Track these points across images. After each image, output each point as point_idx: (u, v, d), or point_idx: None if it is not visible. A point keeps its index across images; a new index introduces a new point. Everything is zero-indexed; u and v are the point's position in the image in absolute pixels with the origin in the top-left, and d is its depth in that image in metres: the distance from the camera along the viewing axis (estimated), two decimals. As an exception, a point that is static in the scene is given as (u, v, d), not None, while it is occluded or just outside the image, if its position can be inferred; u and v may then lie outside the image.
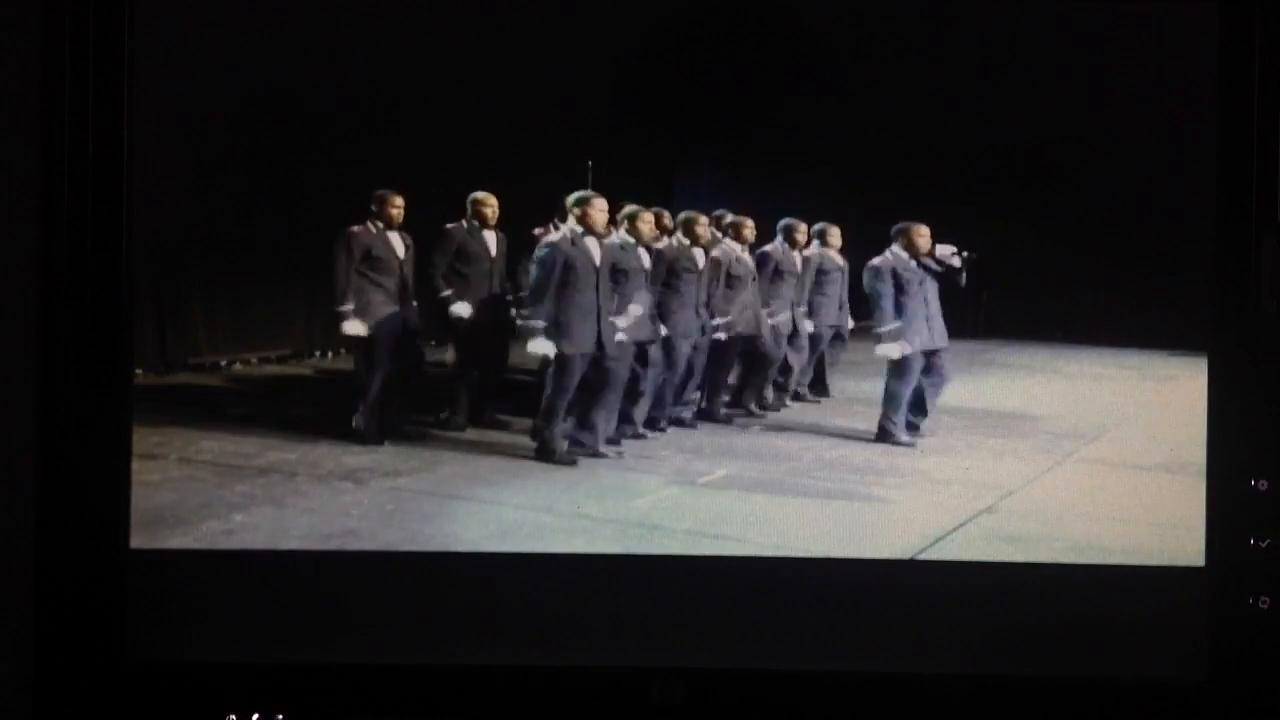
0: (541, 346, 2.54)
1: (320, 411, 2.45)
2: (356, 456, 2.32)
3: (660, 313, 2.68)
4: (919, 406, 2.61)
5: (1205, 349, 2.04)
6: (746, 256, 2.72)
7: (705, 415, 2.64)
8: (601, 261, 2.60)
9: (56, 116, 1.99)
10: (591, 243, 2.59)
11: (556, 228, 2.61)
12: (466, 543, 2.13)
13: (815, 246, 2.74)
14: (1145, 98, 2.08)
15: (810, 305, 2.82)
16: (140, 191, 2.02)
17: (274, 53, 2.09)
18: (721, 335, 2.69)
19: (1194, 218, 2.05)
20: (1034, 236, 2.26)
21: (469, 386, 2.58)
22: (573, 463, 2.42)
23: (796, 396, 2.83)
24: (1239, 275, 2.01)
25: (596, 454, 2.48)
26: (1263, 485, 2.00)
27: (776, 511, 2.24)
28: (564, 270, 2.57)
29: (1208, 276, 2.03)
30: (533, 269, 2.57)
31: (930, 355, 2.65)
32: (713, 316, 2.71)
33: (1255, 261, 2.01)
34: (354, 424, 2.39)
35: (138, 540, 2.04)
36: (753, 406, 2.72)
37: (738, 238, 2.70)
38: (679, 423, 2.60)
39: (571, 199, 2.52)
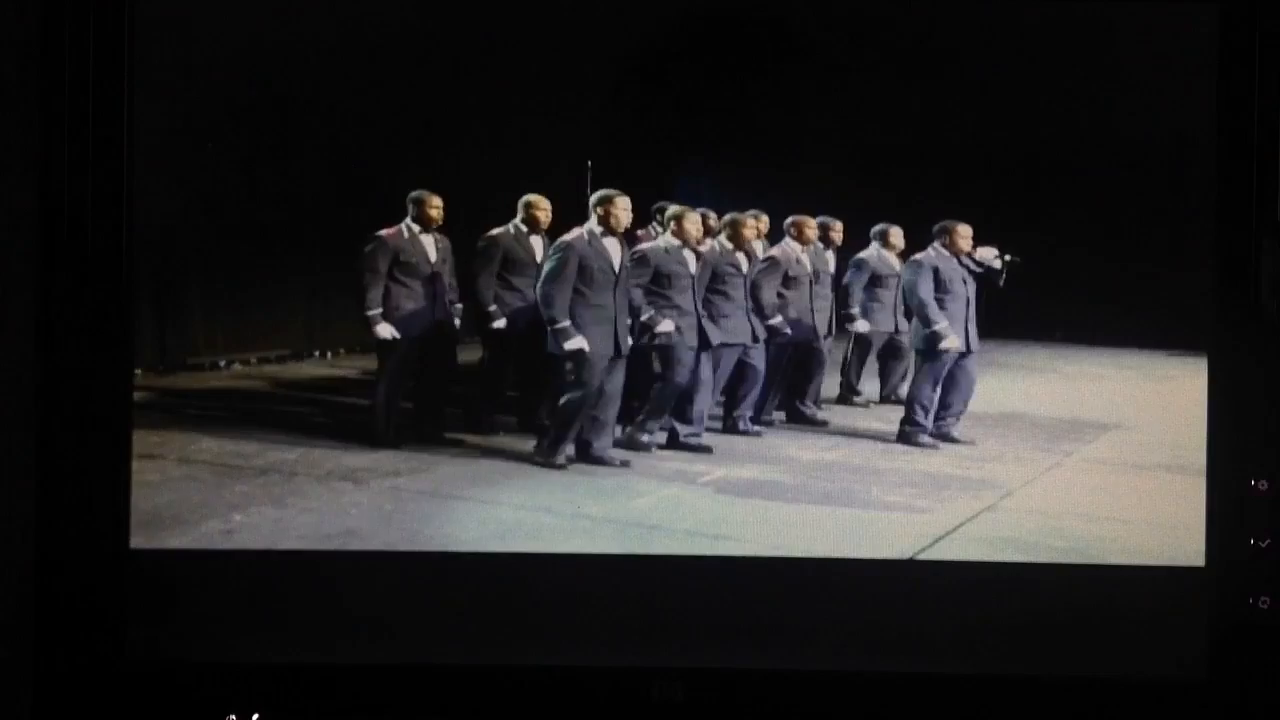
0: (577, 342, 2.48)
1: (320, 411, 2.45)
2: (356, 456, 2.31)
3: (710, 317, 2.62)
4: (947, 409, 2.56)
5: (1205, 349, 2.04)
6: (806, 257, 2.66)
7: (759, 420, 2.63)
8: (620, 265, 2.55)
9: (56, 116, 1.99)
10: (611, 243, 2.53)
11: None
12: (466, 543, 2.13)
13: (874, 248, 2.64)
14: (1145, 98, 2.09)
15: (863, 308, 2.73)
16: (140, 191, 2.03)
17: (271, 53, 2.09)
18: (787, 332, 2.65)
19: (1194, 218, 2.05)
20: (1034, 237, 2.26)
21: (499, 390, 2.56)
22: (626, 463, 2.40)
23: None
24: (1239, 275, 2.02)
25: (698, 448, 2.49)
26: (1263, 485, 2.00)
27: (776, 511, 2.24)
28: (578, 272, 2.52)
29: (1208, 276, 2.03)
30: (545, 266, 2.53)
31: (962, 357, 2.58)
32: (768, 317, 2.66)
33: (1255, 261, 2.01)
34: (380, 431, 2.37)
35: (138, 540, 2.04)
36: (810, 410, 2.66)
37: (799, 238, 2.62)
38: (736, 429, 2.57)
39: (594, 197, 2.45)
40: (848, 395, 2.74)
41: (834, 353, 2.73)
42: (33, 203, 2.00)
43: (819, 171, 2.22)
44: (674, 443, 2.51)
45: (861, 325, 2.69)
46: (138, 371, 2.08)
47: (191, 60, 2.07)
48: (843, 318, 2.68)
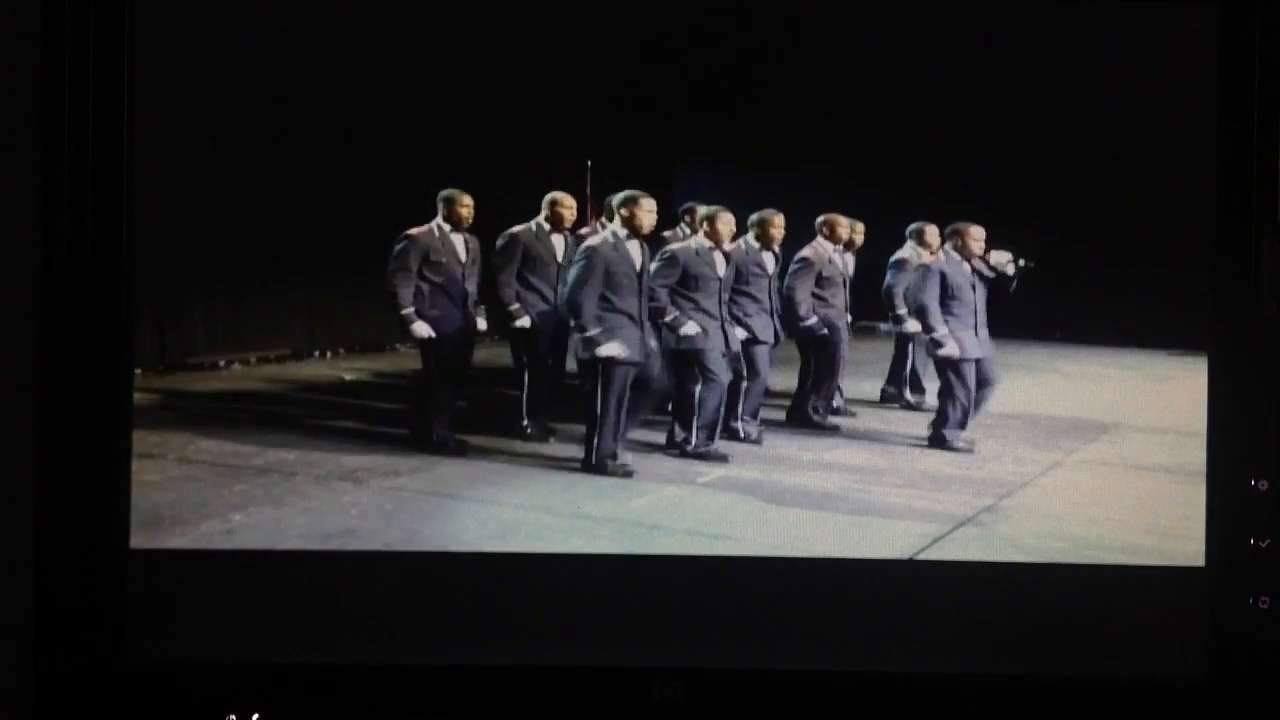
0: (609, 349, 2.46)
1: (319, 411, 2.45)
2: (356, 457, 2.31)
3: (735, 317, 2.60)
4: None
5: (1205, 349, 2.04)
6: (839, 257, 2.62)
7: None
8: (642, 268, 2.51)
9: (56, 116, 1.99)
10: (634, 246, 2.50)
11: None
12: (466, 543, 2.13)
13: (910, 246, 2.58)
14: (1145, 98, 2.09)
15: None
16: (140, 191, 2.02)
17: (272, 53, 2.09)
18: (823, 333, 2.62)
19: (1194, 218, 2.05)
20: (1034, 237, 2.27)
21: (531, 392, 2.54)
22: (629, 475, 2.37)
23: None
24: (1239, 275, 2.02)
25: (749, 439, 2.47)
26: (1263, 485, 2.00)
27: (775, 511, 2.24)
28: (604, 277, 2.48)
29: (1208, 276, 2.03)
30: (571, 272, 2.50)
31: (979, 361, 2.54)
32: (803, 318, 2.63)
33: (1255, 261, 2.01)
34: (434, 437, 2.33)
35: (138, 540, 2.04)
36: (821, 415, 2.63)
37: (831, 237, 2.57)
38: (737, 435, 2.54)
39: (617, 199, 2.42)
40: (905, 398, 2.71)
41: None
42: (33, 202, 2.00)
43: (820, 171, 2.22)
44: (670, 443, 2.51)
45: (912, 325, 2.65)
46: (138, 371, 2.08)
47: (191, 60, 2.07)
48: (894, 319, 2.65)
